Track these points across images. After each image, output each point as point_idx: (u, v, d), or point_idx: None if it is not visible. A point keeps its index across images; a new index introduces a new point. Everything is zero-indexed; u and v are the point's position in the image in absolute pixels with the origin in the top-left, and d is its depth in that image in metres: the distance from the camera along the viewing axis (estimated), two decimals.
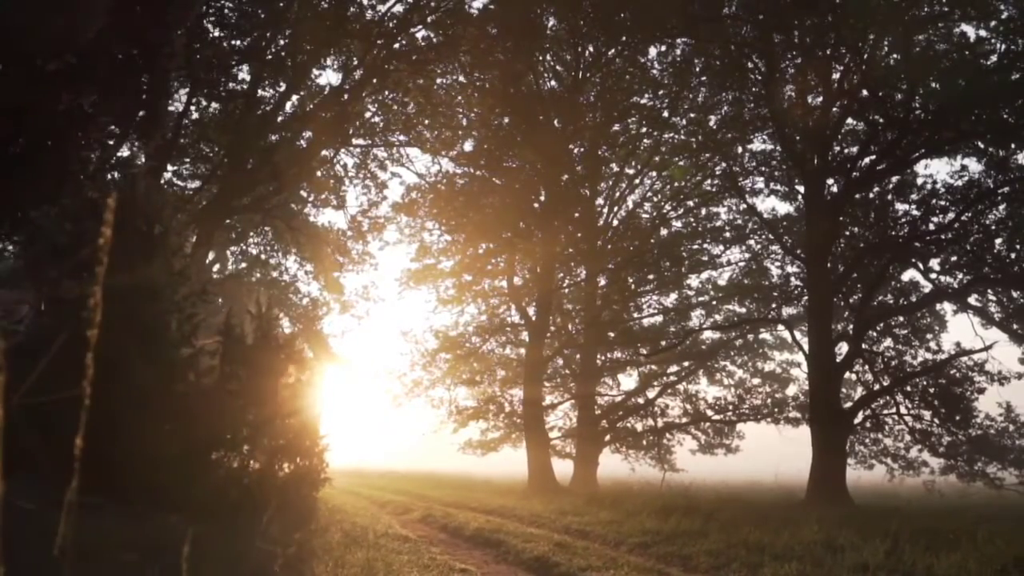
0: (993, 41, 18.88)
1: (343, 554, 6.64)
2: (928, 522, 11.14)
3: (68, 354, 6.99)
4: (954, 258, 21.09)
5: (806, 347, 20.98)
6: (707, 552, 8.49)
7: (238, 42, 19.10)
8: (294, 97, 21.78)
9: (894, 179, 21.36)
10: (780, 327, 26.29)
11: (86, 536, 6.96)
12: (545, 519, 12.48)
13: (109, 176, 12.71)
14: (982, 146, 19.83)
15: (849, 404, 22.02)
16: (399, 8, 20.92)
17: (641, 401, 29.30)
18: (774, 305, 26.06)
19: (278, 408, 12.80)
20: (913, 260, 21.53)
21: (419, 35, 21.70)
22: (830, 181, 21.47)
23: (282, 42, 20.28)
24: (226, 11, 17.80)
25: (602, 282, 28.69)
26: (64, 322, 10.94)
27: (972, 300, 21.59)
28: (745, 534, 9.36)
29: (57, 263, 11.03)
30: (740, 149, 24.80)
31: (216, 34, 18.12)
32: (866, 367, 22.54)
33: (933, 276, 21.42)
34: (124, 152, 15.64)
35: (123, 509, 8.36)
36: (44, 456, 9.31)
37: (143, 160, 18.86)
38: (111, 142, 12.69)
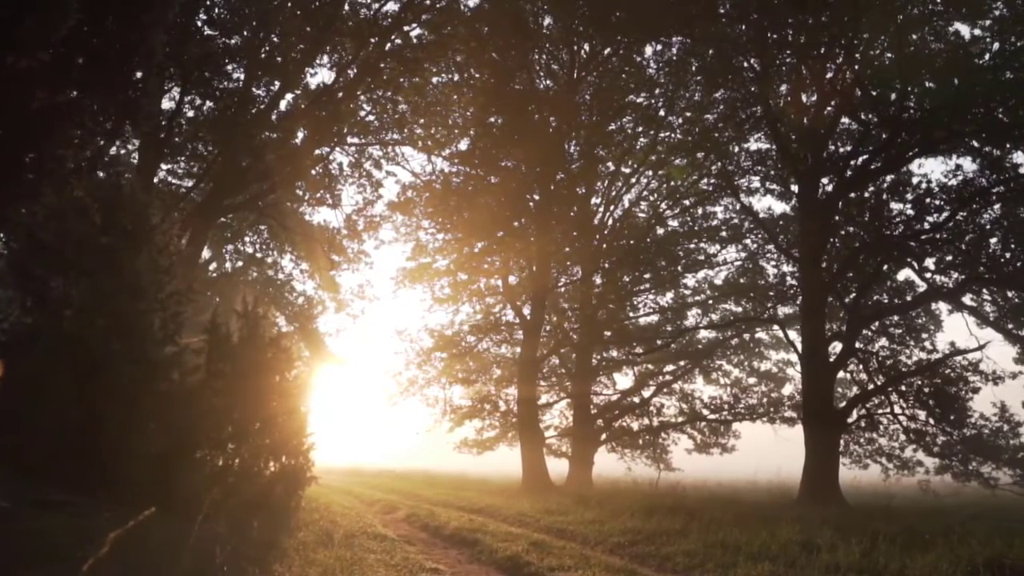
0: (987, 40, 18.83)
1: (311, 553, 6.64)
2: (912, 522, 11.11)
3: (52, 352, 7.00)
4: (949, 257, 21.03)
5: (800, 346, 20.96)
6: (684, 552, 8.47)
7: (230, 40, 19.12)
8: (288, 96, 21.80)
9: (888, 178, 21.30)
10: (775, 326, 26.23)
11: (64, 535, 6.97)
12: (529, 518, 12.47)
13: (98, 174, 12.74)
14: (976, 145, 19.75)
15: (843, 403, 21.98)
16: (394, 7, 20.92)
17: (637, 400, 29.26)
18: (769, 304, 26.00)
19: (264, 407, 12.82)
20: (908, 259, 21.46)
21: (413, 33, 21.71)
22: (824, 180, 21.43)
23: (275, 40, 20.28)
24: (217, 10, 17.80)
25: (598, 281, 28.66)
26: (48, 320, 10.97)
27: (967, 299, 21.56)
28: (724, 534, 9.34)
29: (42, 261, 11.05)
30: (736, 148, 24.78)
31: (207, 32, 18.15)
32: (860, 366, 22.49)
33: (928, 275, 21.38)
34: (113, 151, 15.70)
35: (100, 507, 8.38)
36: (23, 454, 9.32)
37: (131, 158, 18.92)
38: (102, 141, 12.73)
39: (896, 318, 23.47)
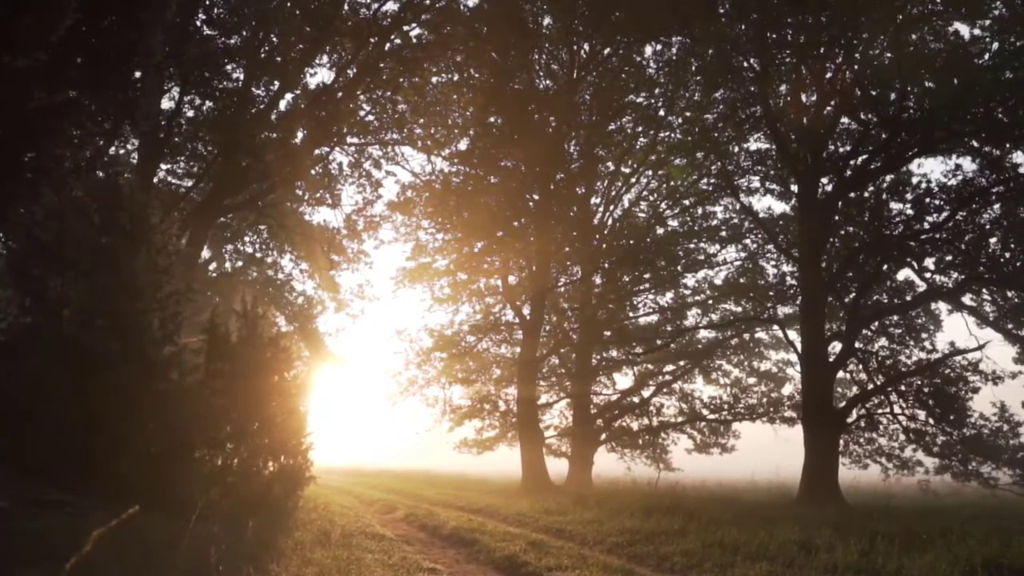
0: (986, 39, 18.79)
1: (308, 552, 6.63)
2: (911, 522, 11.10)
3: (50, 352, 7.01)
4: (948, 257, 20.99)
5: (799, 346, 20.93)
6: (682, 552, 8.46)
7: (230, 40, 19.13)
8: (287, 95, 21.81)
9: (888, 178, 21.27)
10: (774, 326, 26.21)
11: (61, 535, 6.96)
12: (528, 518, 12.47)
13: (97, 174, 12.75)
14: (976, 145, 19.72)
15: (843, 403, 21.95)
16: (393, 6, 20.94)
17: (636, 400, 29.25)
18: (769, 304, 25.97)
19: (263, 406, 12.82)
20: (907, 259, 21.43)
21: (412, 33, 21.71)
22: (824, 180, 21.40)
23: (275, 40, 20.28)
24: (216, 10, 17.80)
25: (597, 281, 28.64)
26: (46, 320, 10.97)
27: (967, 299, 21.52)
28: (723, 534, 9.33)
29: (41, 261, 11.05)
30: (735, 148, 24.75)
31: (207, 32, 18.16)
32: (860, 366, 22.45)
33: (928, 275, 21.34)
34: (113, 151, 15.69)
35: (97, 506, 8.37)
36: (21, 453, 9.32)
37: (131, 158, 18.91)
38: (101, 141, 12.73)
39: (896, 318, 23.42)
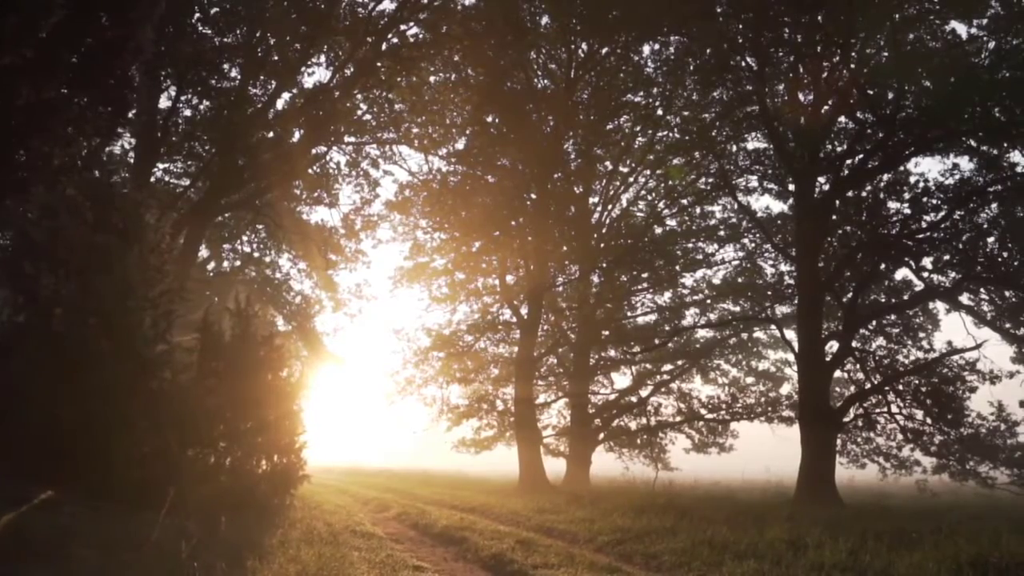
0: (983, 39, 18.76)
1: (293, 550, 6.62)
2: (905, 521, 11.08)
3: (41, 350, 6.99)
4: (946, 256, 20.94)
5: (797, 346, 20.91)
6: (671, 550, 8.45)
7: (226, 39, 19.12)
8: (284, 94, 21.79)
9: (885, 177, 21.23)
10: (772, 326, 26.18)
11: (46, 533, 6.96)
12: (521, 517, 12.46)
13: (94, 173, 12.72)
14: (973, 144, 19.68)
15: (840, 403, 21.93)
16: (390, 5, 20.95)
17: (634, 400, 29.24)
18: (767, 304, 25.95)
19: (256, 405, 12.82)
20: (905, 258, 21.38)
21: (409, 32, 21.69)
22: (821, 179, 21.38)
23: (271, 39, 20.27)
24: (211, 9, 17.80)
25: (595, 280, 28.64)
26: (38, 319, 10.95)
27: (964, 299, 21.47)
28: (713, 532, 9.32)
29: (33, 259, 11.04)
30: (733, 147, 24.74)
31: (202, 31, 18.16)
32: (857, 365, 22.42)
33: (925, 274, 21.30)
34: (108, 149, 15.68)
35: (86, 505, 8.37)
36: (11, 452, 9.31)
37: (128, 157, 18.90)
38: (97, 139, 12.71)
39: (893, 317, 23.37)
